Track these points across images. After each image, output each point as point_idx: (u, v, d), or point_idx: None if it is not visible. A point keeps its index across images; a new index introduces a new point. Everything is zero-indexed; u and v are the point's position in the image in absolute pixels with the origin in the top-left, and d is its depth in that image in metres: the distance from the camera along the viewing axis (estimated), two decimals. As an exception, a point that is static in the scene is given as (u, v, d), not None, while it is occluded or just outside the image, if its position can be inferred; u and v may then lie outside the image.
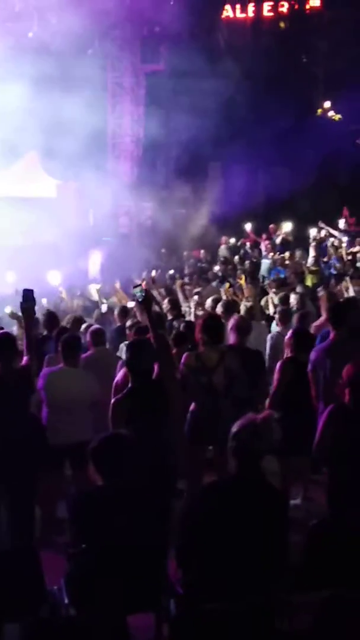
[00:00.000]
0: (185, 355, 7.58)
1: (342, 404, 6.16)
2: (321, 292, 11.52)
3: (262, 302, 11.96)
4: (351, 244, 18.24)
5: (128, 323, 9.31)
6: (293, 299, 11.55)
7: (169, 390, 6.61)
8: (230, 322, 8.24)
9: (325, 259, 16.44)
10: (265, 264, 16.84)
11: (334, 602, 4.02)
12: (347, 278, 12.83)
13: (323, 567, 4.75)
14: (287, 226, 20.19)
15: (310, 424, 7.19)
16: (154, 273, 14.99)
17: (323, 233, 19.45)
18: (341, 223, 20.62)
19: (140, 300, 7.09)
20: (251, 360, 7.86)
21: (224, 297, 11.57)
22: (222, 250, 19.72)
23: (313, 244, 17.96)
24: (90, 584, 4.66)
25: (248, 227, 20.61)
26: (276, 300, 11.49)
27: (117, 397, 6.59)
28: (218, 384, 7.40)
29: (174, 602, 4.83)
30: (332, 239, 18.71)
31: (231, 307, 10.02)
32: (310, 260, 16.24)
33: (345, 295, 11.88)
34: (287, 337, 8.01)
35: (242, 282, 12.96)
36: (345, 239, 18.62)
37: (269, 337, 9.58)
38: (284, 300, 11.26)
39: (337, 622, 3.96)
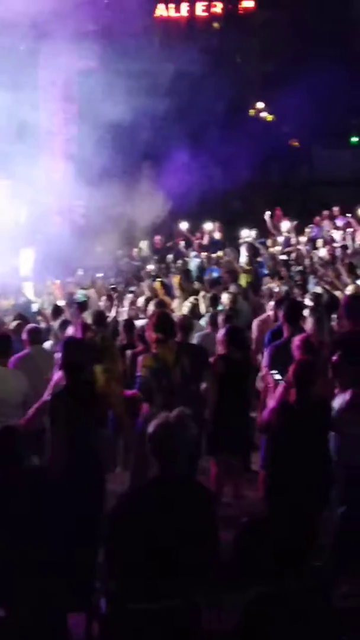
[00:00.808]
0: (143, 357, 7.53)
1: (287, 403, 6.22)
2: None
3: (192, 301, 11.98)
4: (287, 243, 18.43)
5: (57, 322, 9.25)
6: (225, 298, 11.63)
7: (112, 391, 6.61)
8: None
9: (258, 259, 16.55)
10: (195, 262, 16.90)
11: (261, 600, 4.03)
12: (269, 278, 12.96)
13: (253, 565, 4.76)
14: (208, 225, 20.30)
15: (241, 422, 7.27)
16: (80, 272, 14.93)
17: (254, 233, 19.60)
18: (284, 226, 20.75)
19: (79, 302, 7.09)
20: (197, 356, 7.89)
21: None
22: (143, 250, 19.60)
23: (245, 243, 18.09)
24: (14, 585, 4.60)
25: (183, 226, 20.65)
26: (207, 301, 11.56)
27: (52, 394, 6.54)
28: (175, 384, 7.41)
29: (104, 601, 4.80)
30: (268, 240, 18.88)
31: (163, 305, 10.02)
32: (244, 259, 16.35)
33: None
34: (219, 334, 8.06)
35: (176, 281, 12.98)
36: (281, 239, 18.79)
37: (196, 335, 9.62)
38: (213, 301, 11.33)
39: (264, 621, 3.97)
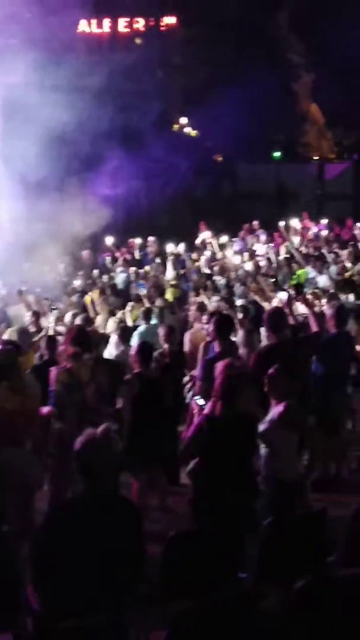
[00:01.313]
0: (57, 371, 7.50)
1: (212, 416, 6.26)
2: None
3: (119, 316, 11.98)
4: (212, 257, 18.55)
5: None
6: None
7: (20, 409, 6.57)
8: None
9: (183, 272, 16.64)
10: (121, 277, 16.90)
11: (188, 614, 4.05)
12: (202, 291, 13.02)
13: (180, 579, 4.79)
14: (138, 240, 20.38)
15: (160, 438, 7.33)
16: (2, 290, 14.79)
17: (181, 247, 19.71)
18: (202, 238, 20.95)
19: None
20: (113, 372, 7.89)
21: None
22: (63, 266, 19.44)
23: (171, 258, 18.17)
24: None
25: (109, 241, 20.62)
26: (132, 316, 11.58)
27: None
28: (90, 400, 7.37)
29: (31, 620, 4.76)
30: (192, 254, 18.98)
31: (89, 321, 10.02)
32: (170, 274, 16.41)
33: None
34: (132, 352, 8.05)
35: (95, 296, 12.90)
36: (208, 253, 18.90)
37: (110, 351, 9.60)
38: (146, 315, 11.34)
39: (191, 635, 3.99)
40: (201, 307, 10.93)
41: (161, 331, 9.48)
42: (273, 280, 14.49)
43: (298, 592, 4.23)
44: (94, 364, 7.56)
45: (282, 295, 11.43)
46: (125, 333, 10.09)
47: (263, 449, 6.56)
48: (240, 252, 18.77)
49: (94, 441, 4.60)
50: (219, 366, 6.76)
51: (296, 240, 19.29)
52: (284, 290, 13.20)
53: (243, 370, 7.11)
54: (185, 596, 4.42)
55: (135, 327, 11.09)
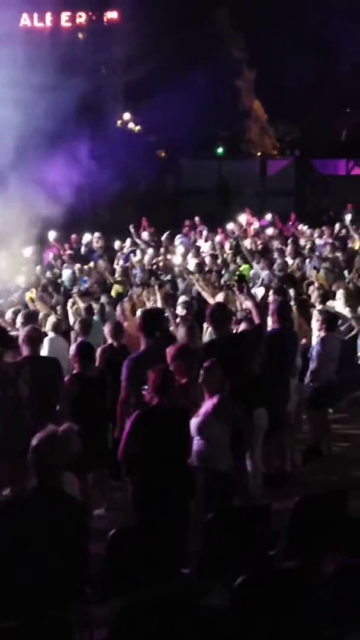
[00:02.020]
0: None
1: (150, 409, 6.28)
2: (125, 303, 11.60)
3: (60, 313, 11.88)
4: (155, 253, 18.54)
5: None
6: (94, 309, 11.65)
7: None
8: (21, 334, 8.13)
9: (127, 268, 16.58)
10: (66, 273, 16.77)
11: (130, 611, 4.04)
12: (152, 288, 12.98)
13: (123, 576, 4.77)
14: (86, 237, 20.25)
15: (100, 437, 7.31)
16: None
17: (128, 243, 19.68)
18: (145, 235, 20.95)
19: None
20: (48, 369, 7.83)
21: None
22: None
23: (117, 254, 18.10)
24: None
25: (51, 236, 20.44)
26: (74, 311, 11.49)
27: None
28: (22, 395, 7.32)
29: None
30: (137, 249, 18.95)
31: (31, 317, 9.90)
32: (118, 270, 16.36)
33: (147, 305, 12.04)
34: (72, 351, 8.01)
35: (33, 294, 12.77)
36: (150, 250, 18.87)
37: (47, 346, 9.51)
38: (88, 312, 11.27)
39: (133, 632, 3.98)
40: (132, 302, 10.86)
41: (107, 327, 9.43)
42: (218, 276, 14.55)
43: (240, 586, 4.25)
44: (24, 361, 7.56)
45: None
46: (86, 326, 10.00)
47: (196, 441, 6.61)
48: (184, 249, 18.79)
49: (53, 438, 4.58)
50: (170, 351, 6.83)
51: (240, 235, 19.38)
52: (228, 286, 13.27)
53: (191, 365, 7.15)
54: (127, 593, 4.40)
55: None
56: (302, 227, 21.00)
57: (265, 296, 11.12)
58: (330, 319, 9.66)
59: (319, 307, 11.12)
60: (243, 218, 21.28)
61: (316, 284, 12.82)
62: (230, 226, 19.81)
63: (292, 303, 10.72)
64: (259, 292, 11.90)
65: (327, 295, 11.70)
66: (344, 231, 19.72)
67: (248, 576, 4.31)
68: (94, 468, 7.59)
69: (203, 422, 6.57)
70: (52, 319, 10.65)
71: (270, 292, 11.17)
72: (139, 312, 10.47)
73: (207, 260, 16.70)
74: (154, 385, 6.28)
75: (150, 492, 6.01)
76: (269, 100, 34.87)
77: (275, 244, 18.05)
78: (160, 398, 6.24)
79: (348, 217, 20.39)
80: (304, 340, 10.13)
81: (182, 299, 12.89)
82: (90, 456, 7.05)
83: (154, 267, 16.91)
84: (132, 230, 19.60)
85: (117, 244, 19.47)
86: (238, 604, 4.29)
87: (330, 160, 35.23)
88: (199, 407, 6.80)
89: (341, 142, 36.54)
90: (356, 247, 17.67)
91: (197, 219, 22.10)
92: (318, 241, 18.32)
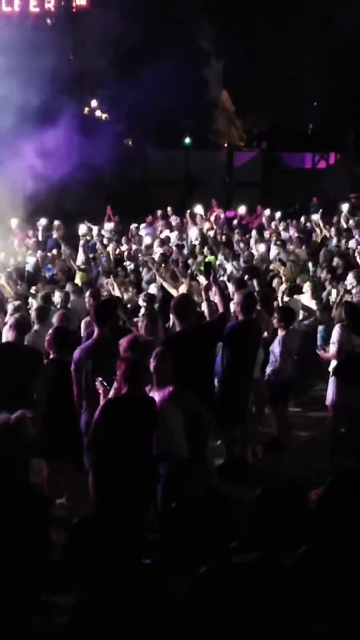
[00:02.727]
0: None
1: (119, 398, 6.29)
2: (87, 292, 11.55)
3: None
4: (119, 242, 18.50)
5: None
6: (57, 296, 11.58)
7: None
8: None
9: (93, 257, 16.52)
10: (31, 261, 16.65)
11: (91, 600, 4.05)
12: (112, 277, 12.94)
13: (84, 565, 4.78)
14: (42, 221, 20.10)
15: (72, 424, 7.27)
16: None
17: (95, 231, 19.63)
18: (109, 224, 20.92)
19: None
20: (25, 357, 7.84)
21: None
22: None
23: (82, 242, 18.03)
24: None
25: (13, 224, 20.26)
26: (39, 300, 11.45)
27: None
28: None
29: None
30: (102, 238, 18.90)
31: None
32: (80, 258, 16.29)
33: (113, 293, 12.01)
34: (47, 336, 7.99)
35: (2, 281, 12.72)
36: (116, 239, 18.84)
37: (27, 336, 9.47)
38: (46, 299, 11.24)
39: (93, 621, 3.98)
40: (94, 294, 10.79)
41: (55, 316, 9.42)
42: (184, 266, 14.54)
43: (201, 577, 4.28)
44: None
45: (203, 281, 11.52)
46: (43, 314, 9.96)
47: (157, 430, 6.65)
48: (149, 238, 18.77)
49: (6, 427, 4.57)
50: (123, 343, 6.83)
51: (205, 226, 19.39)
52: (193, 276, 13.28)
53: (147, 346, 7.17)
54: (89, 583, 4.41)
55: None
56: (266, 212, 21.06)
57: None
58: (288, 315, 9.69)
59: (285, 299, 11.18)
60: (199, 209, 21.30)
61: (283, 277, 12.89)
62: (197, 210, 19.82)
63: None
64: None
65: (294, 288, 11.76)
66: (309, 224, 19.83)
67: (209, 567, 4.33)
68: (65, 454, 7.55)
69: (159, 411, 6.60)
70: (11, 305, 10.62)
71: (231, 284, 11.18)
72: None
73: (174, 250, 16.72)
74: (123, 375, 6.28)
75: (115, 481, 6.02)
76: (237, 92, 34.89)
77: (237, 236, 18.09)
78: (129, 388, 6.24)
79: (345, 207, 20.52)
80: (265, 334, 10.18)
81: (148, 288, 12.88)
82: (62, 442, 7.05)
83: (120, 256, 16.89)
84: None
85: (81, 230, 19.39)
86: (199, 594, 4.32)
87: (296, 153, 35.38)
88: None
89: (308, 135, 36.71)
90: (319, 241, 17.79)
91: (169, 209, 22.07)
92: (284, 234, 18.38)
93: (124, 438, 6.16)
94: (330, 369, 9.79)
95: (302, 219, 20.64)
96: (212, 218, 20.78)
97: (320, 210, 19.82)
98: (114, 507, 5.63)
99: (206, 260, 15.88)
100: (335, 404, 9.57)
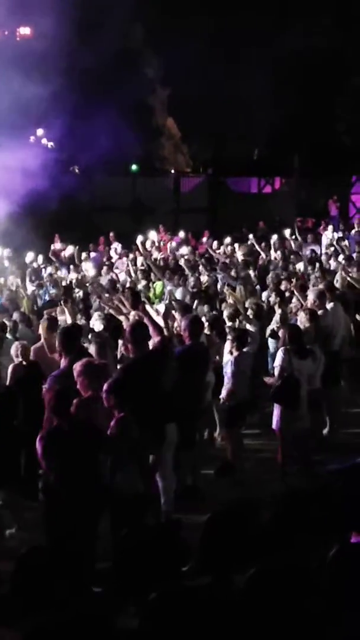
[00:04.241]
0: None
1: (56, 427, 6.25)
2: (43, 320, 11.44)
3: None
4: (67, 270, 18.46)
5: None
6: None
7: None
8: None
9: (40, 284, 16.44)
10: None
11: (40, 632, 3.98)
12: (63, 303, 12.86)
13: (33, 596, 4.70)
14: None
15: (12, 455, 7.24)
16: None
17: (40, 259, 19.57)
18: (58, 250, 20.88)
19: None
20: None
21: None
22: None
23: (29, 270, 17.94)
24: None
25: None
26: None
27: None
28: None
29: None
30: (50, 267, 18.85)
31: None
32: (28, 286, 16.20)
33: (60, 321, 11.93)
34: None
35: None
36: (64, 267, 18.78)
37: None
38: (1, 328, 11.13)
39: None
40: (51, 321, 10.72)
41: (13, 348, 9.33)
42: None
43: (151, 603, 4.24)
44: None
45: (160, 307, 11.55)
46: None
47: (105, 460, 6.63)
48: (96, 265, 18.76)
49: None
50: (77, 367, 6.81)
51: (156, 254, 19.46)
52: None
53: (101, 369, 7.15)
54: (37, 613, 4.34)
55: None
56: (212, 242, 21.19)
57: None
58: (241, 337, 9.75)
59: (229, 323, 11.22)
60: (154, 234, 21.39)
61: (230, 301, 12.94)
62: (139, 239, 19.85)
63: (204, 319, 10.79)
64: (160, 308, 11.87)
65: (238, 312, 11.82)
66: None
67: (159, 593, 4.29)
68: (4, 486, 7.49)
69: (108, 440, 6.59)
70: None
71: (176, 310, 11.19)
72: None
73: (122, 277, 16.73)
74: (51, 407, 6.32)
75: (63, 511, 5.97)
76: (183, 119, 35.17)
77: (188, 261, 18.18)
78: (59, 419, 6.24)
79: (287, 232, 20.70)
80: (217, 357, 10.21)
81: (96, 315, 12.83)
82: (8, 473, 6.98)
83: (68, 283, 16.84)
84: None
85: (28, 258, 19.32)
86: (149, 621, 4.27)
87: (242, 178, 35.74)
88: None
89: (253, 161, 37.13)
90: (267, 264, 17.94)
91: (111, 234, 22.10)
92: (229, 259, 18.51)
93: (64, 468, 6.12)
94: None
95: (249, 242, 20.82)
96: (161, 244, 20.87)
97: (275, 235, 20.08)
98: (63, 537, 5.57)
99: (155, 285, 15.96)
100: (279, 428, 9.62)
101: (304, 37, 27.62)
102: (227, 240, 21.06)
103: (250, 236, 19.52)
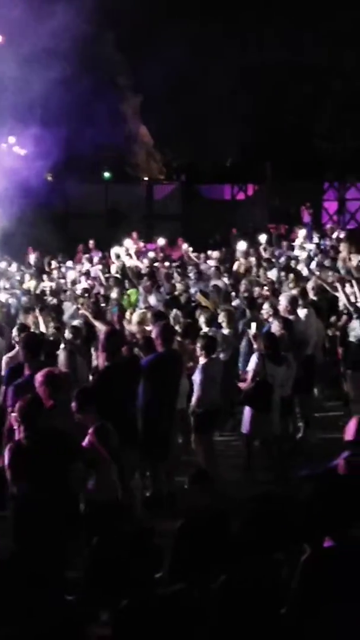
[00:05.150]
0: None
1: (18, 442, 6.24)
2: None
3: None
4: (39, 278, 18.40)
5: None
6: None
7: None
8: None
9: (12, 293, 16.38)
10: None
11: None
12: (37, 311, 12.83)
13: (3, 606, 4.68)
14: None
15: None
16: None
17: (14, 266, 19.53)
18: (31, 258, 20.85)
19: None
20: None
21: None
22: None
23: (2, 279, 17.90)
24: None
25: None
26: None
27: None
28: None
29: None
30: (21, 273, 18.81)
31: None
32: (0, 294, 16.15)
33: (34, 328, 11.90)
34: None
35: None
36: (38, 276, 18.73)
37: None
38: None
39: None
40: (22, 329, 10.70)
41: None
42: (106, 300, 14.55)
43: (122, 610, 4.25)
44: None
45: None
46: None
47: (81, 469, 6.63)
48: (73, 273, 18.72)
49: None
50: (38, 377, 6.80)
51: (127, 260, 19.42)
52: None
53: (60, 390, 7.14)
54: (9, 623, 4.32)
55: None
56: (187, 248, 21.20)
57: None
58: (209, 344, 9.75)
59: (205, 329, 11.22)
60: (129, 242, 21.38)
61: (206, 304, 12.97)
62: (116, 250, 19.82)
63: (177, 327, 10.82)
64: (135, 316, 11.88)
65: (214, 316, 11.83)
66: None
67: (131, 600, 4.30)
68: None
69: (87, 452, 6.58)
70: None
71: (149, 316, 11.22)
72: None
73: (96, 284, 16.74)
74: (20, 413, 6.30)
75: (32, 520, 5.94)
76: (155, 126, 35.24)
77: (162, 267, 18.21)
78: (26, 426, 6.23)
79: (263, 238, 20.70)
80: (190, 363, 10.22)
81: (71, 323, 12.80)
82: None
83: (42, 291, 16.79)
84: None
85: (1, 266, 19.28)
86: (122, 628, 4.28)
87: (215, 185, 35.84)
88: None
89: (226, 168, 37.25)
90: (241, 271, 17.97)
91: (91, 242, 22.07)
92: (204, 265, 18.55)
93: (31, 478, 6.11)
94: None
95: (223, 249, 20.87)
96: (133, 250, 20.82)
97: (243, 241, 20.12)
98: (33, 546, 5.54)
99: (129, 292, 15.95)
100: (250, 431, 9.66)
101: (278, 45, 27.80)
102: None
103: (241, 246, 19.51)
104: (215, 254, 19.92)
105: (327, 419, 11.78)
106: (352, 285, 11.82)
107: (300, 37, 30.36)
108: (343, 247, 17.71)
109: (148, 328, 10.55)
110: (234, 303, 14.09)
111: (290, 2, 30.94)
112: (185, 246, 21.37)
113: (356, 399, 11.12)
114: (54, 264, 19.97)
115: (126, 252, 20.19)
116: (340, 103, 31.44)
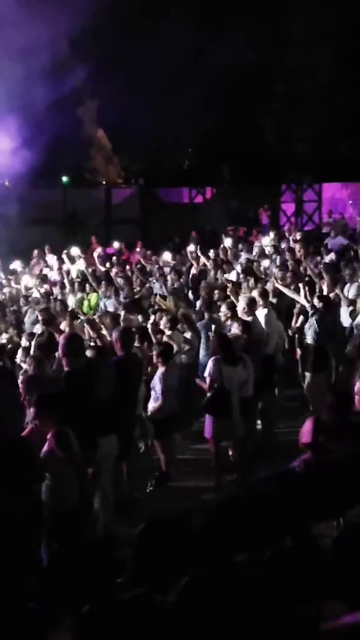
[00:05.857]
0: None
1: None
2: None
3: None
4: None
5: None
6: None
7: None
8: None
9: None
10: None
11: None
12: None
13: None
14: None
15: None
16: None
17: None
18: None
19: None
20: None
21: None
22: None
23: None
24: None
25: None
26: None
27: None
28: None
29: None
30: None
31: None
32: None
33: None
34: None
35: None
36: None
37: None
38: None
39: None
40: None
41: None
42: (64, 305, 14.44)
43: (84, 617, 4.21)
44: None
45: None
46: None
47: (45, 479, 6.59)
48: (29, 278, 18.58)
49: None
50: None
51: (82, 264, 19.26)
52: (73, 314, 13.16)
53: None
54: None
55: None
56: (146, 252, 21.15)
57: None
58: (167, 351, 9.74)
59: (168, 332, 11.18)
60: (76, 250, 21.24)
61: (166, 306, 12.94)
62: (74, 252, 19.66)
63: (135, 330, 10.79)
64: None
65: (176, 319, 11.80)
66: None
67: (93, 605, 4.27)
68: None
69: (46, 459, 6.54)
70: None
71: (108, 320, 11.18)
72: None
73: (55, 289, 16.64)
74: None
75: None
76: (113, 130, 35.13)
77: (119, 271, 18.16)
78: None
79: (228, 242, 20.59)
80: (148, 369, 10.19)
81: (33, 329, 12.70)
82: None
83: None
84: None
85: None
86: (83, 634, 4.25)
87: (173, 189, 35.87)
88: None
89: (184, 171, 37.30)
90: (197, 273, 17.95)
91: (47, 247, 21.93)
92: (166, 269, 18.51)
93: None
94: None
95: (183, 252, 20.83)
96: (95, 255, 20.68)
97: (197, 244, 20.06)
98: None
99: (89, 296, 15.88)
100: (212, 437, 9.66)
101: (231, 49, 27.81)
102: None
103: (192, 249, 19.47)
104: (166, 255, 19.77)
105: (288, 419, 11.82)
106: (304, 287, 11.92)
107: (254, 39, 30.38)
108: (299, 248, 17.87)
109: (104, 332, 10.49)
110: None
111: (237, 5, 31.07)
112: (143, 251, 21.34)
113: (314, 401, 11.18)
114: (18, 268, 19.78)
115: (77, 257, 20.06)
116: (284, 105, 31.53)
